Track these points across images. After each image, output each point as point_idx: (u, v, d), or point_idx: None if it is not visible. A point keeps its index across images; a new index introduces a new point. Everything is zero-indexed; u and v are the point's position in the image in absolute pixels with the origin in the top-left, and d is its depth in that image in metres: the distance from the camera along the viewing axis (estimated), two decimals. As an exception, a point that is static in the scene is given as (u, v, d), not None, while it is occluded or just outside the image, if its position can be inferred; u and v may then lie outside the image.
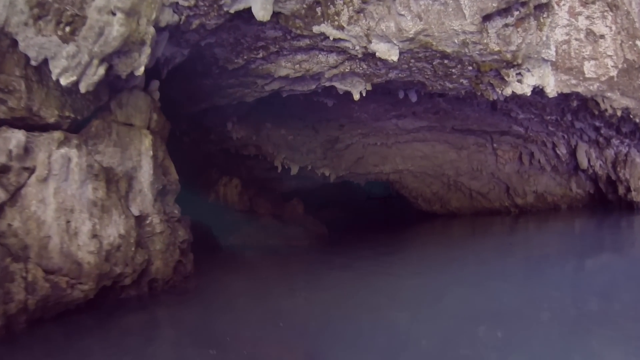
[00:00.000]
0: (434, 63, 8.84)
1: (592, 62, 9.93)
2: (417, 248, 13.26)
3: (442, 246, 13.33)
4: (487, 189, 19.89)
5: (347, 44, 8.20)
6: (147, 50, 6.88)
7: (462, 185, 20.09)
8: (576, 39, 9.85)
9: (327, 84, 10.02)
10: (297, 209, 16.35)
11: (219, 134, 16.02)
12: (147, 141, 7.63)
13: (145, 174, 7.41)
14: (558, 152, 16.54)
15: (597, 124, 13.87)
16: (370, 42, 7.87)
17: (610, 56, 9.89)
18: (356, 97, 9.69)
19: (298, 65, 9.46)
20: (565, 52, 9.81)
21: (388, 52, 7.83)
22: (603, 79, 10.00)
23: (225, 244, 14.67)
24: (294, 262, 11.38)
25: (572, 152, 16.42)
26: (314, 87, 10.44)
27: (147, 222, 7.30)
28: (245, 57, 9.56)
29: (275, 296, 7.50)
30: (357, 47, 8.14)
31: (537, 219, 18.38)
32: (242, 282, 8.74)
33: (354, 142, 18.10)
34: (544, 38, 8.56)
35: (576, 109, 13.37)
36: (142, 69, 6.93)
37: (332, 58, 9.05)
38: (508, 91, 9.10)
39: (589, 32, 9.84)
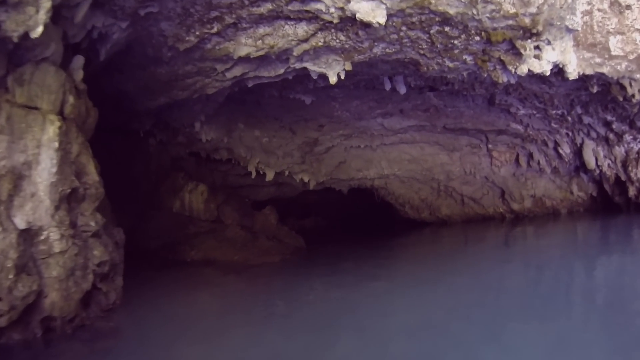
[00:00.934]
0: (431, 31, 6.80)
1: (619, 37, 8.02)
2: (405, 264, 11.23)
3: (432, 259, 11.34)
4: (481, 194, 17.93)
5: (319, 5, 6.15)
6: (46, 3, 4.85)
7: (453, 190, 18.11)
8: (599, 10, 7.95)
9: (298, 65, 7.97)
10: (269, 219, 14.21)
11: (187, 135, 13.97)
12: (51, 130, 5.52)
13: (44, 173, 5.29)
14: (560, 151, 14.63)
15: (609, 117, 11.97)
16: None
17: (638, 30, 8.00)
18: (332, 79, 7.62)
19: (260, 42, 7.39)
20: (587, 24, 7.90)
21: (372, 12, 5.81)
22: (632, 57, 8.10)
23: (186, 259, 12.52)
24: (260, 284, 9.29)
25: (577, 152, 14.52)
26: (282, 70, 8.39)
27: (41, 237, 5.16)
28: (197, 34, 7.50)
29: (228, 340, 5.38)
30: (332, 9, 6.10)
31: (535, 225, 16.45)
32: (187, 316, 6.60)
33: (335, 144, 16.06)
34: (569, 0, 6.58)
35: (587, 102, 11.45)
36: (39, 29, 5.06)
37: (302, 29, 6.98)
38: (523, 69, 7.10)
39: (614, 2, 7.93)
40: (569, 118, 12.82)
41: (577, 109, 11.87)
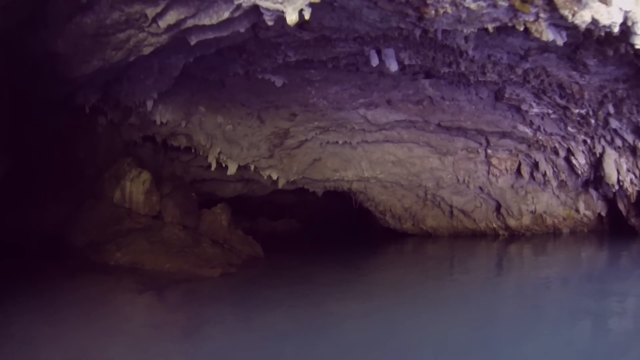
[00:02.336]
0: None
1: None
2: (379, 288, 8.48)
3: (413, 283, 8.71)
4: (473, 207, 15.34)
5: None
6: None
7: (441, 200, 15.49)
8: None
9: (246, 3, 5.19)
10: (218, 220, 11.35)
11: (140, 116, 11.46)
12: None
13: None
14: (574, 162, 12.08)
15: (646, 122, 9.43)
16: None
17: None
18: (291, 18, 4.79)
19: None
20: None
21: None
22: None
23: (110, 262, 9.77)
24: (181, 312, 6.55)
25: (593, 163, 11.97)
26: (227, 14, 5.73)
27: None
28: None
29: None
30: None
31: (533, 245, 13.94)
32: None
33: (309, 138, 13.35)
34: None
35: (623, 98, 8.87)
36: None
37: None
38: (584, 17, 4.48)
39: None
40: (592, 120, 10.26)
41: (607, 107, 9.30)
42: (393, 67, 8.15)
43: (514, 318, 6.19)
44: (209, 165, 13.75)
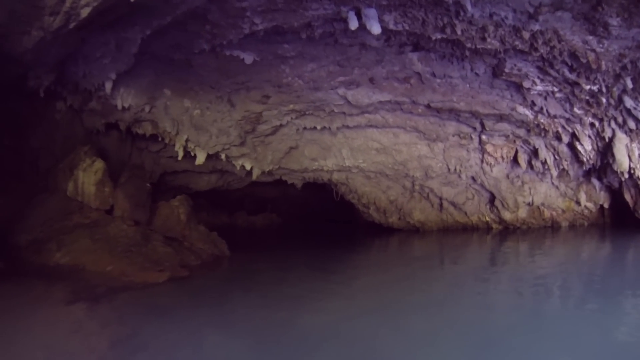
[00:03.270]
0: None
1: None
2: (356, 302, 6.95)
3: (395, 292, 7.26)
4: (464, 198, 13.95)
5: None
6: None
7: (430, 191, 14.09)
8: None
9: None
10: (175, 214, 9.76)
11: (101, 100, 10.04)
12: None
13: None
14: (579, 148, 10.72)
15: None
16: None
17: None
18: None
19: None
20: None
21: None
22: None
23: (49, 263, 8.27)
24: (105, 335, 5.06)
25: (600, 149, 10.62)
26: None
27: None
28: None
29: None
30: None
31: (530, 240, 12.62)
32: None
33: (284, 123, 11.87)
34: None
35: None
36: None
37: None
38: None
39: None
40: (604, 99, 8.89)
41: (624, 82, 7.94)
42: (375, 29, 6.67)
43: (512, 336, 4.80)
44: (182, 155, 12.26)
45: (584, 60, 7.44)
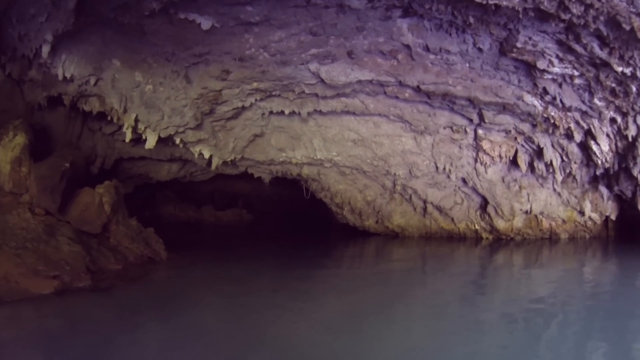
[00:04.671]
0: None
1: None
2: (315, 337, 5.01)
3: (364, 319, 5.39)
4: (452, 203, 12.09)
5: None
6: None
7: (413, 193, 12.20)
8: None
9: None
10: (97, 204, 7.57)
11: (42, 69, 8.48)
12: None
13: None
14: (594, 147, 8.93)
15: None
16: None
17: None
18: None
19: None
20: None
21: None
22: None
23: None
24: None
25: (620, 150, 8.84)
26: None
27: None
28: None
29: None
30: None
31: (525, 254, 10.85)
32: None
33: (248, 105, 9.92)
34: None
35: None
36: None
37: None
38: None
39: None
40: (634, 87, 7.10)
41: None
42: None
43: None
44: (138, 139, 10.51)
45: (627, 27, 5.57)
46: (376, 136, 10.49)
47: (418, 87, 8.45)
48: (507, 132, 9.67)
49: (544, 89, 7.99)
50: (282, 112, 10.14)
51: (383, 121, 10.10)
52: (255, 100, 9.77)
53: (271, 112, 10.34)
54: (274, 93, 9.52)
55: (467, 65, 7.91)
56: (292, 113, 10.16)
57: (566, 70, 7.32)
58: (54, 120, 10.55)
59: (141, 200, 19.17)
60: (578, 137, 8.92)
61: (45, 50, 7.42)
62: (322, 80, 8.80)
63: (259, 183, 15.89)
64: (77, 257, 6.39)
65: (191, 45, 8.22)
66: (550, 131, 9.16)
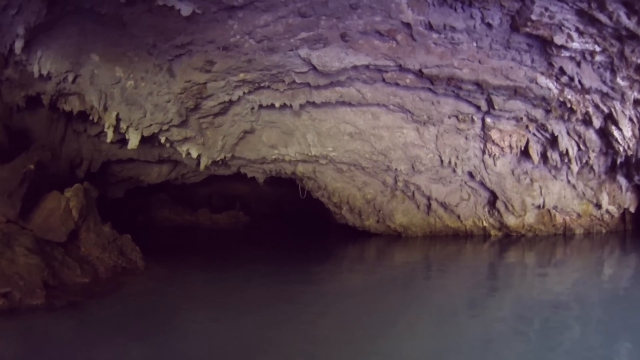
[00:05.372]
0: None
1: None
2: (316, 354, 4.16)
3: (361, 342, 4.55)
4: (458, 199, 11.23)
5: None
6: None
7: (416, 189, 11.34)
8: None
9: None
10: (63, 209, 6.51)
11: (19, 67, 7.82)
12: None
13: None
14: (615, 133, 8.07)
15: None
16: None
17: None
18: None
19: None
20: None
21: None
22: None
23: None
24: None
25: (643, 136, 7.99)
26: None
27: None
28: None
29: None
30: None
31: (539, 253, 10.03)
32: None
33: (235, 99, 9.10)
34: None
35: None
36: None
37: None
38: None
39: None
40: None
41: None
42: None
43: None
44: (124, 140, 9.74)
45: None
46: (375, 128, 9.61)
47: (420, 71, 7.57)
48: (518, 119, 8.80)
49: (561, 68, 7.13)
50: (273, 106, 9.29)
51: (382, 112, 9.22)
52: (243, 93, 8.94)
53: (261, 106, 9.50)
54: (262, 84, 8.66)
55: (475, 44, 7.04)
56: (284, 106, 9.31)
57: (586, 45, 6.46)
58: (35, 122, 9.84)
59: (135, 204, 18.49)
60: (597, 122, 8.06)
61: (18, 45, 6.84)
62: (314, 68, 7.93)
63: (257, 184, 15.13)
64: (34, 270, 5.52)
65: (173, 35, 7.41)
66: (566, 117, 8.29)
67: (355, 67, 7.84)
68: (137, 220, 18.00)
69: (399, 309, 5.76)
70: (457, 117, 8.98)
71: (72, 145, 10.92)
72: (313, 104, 9.16)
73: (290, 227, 18.88)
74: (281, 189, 18.73)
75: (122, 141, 10.07)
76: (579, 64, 7.01)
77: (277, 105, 9.21)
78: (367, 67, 7.83)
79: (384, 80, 8.25)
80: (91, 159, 11.59)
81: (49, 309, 4.99)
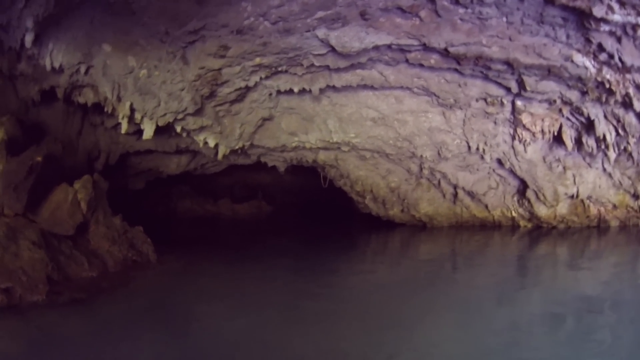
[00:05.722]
0: None
1: None
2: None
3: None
4: (486, 187, 10.73)
5: None
6: None
7: (442, 177, 10.88)
8: None
9: None
10: (70, 202, 6.18)
11: (32, 62, 7.70)
12: None
13: None
14: (659, 117, 7.46)
15: None
16: None
17: None
18: None
19: None
20: None
21: None
22: None
23: None
24: None
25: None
26: None
27: None
28: None
29: None
30: None
31: (572, 248, 9.48)
32: None
33: (252, 85, 8.73)
34: None
35: None
36: None
37: None
38: None
39: None
40: None
41: None
42: None
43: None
44: (141, 131, 9.39)
45: None
46: (398, 113, 9.16)
47: (445, 50, 7.10)
48: (551, 102, 8.24)
49: (599, 45, 6.57)
50: (291, 91, 8.90)
51: (406, 95, 8.77)
52: (260, 78, 8.56)
53: (279, 92, 9.13)
54: (280, 69, 8.28)
55: (505, 19, 6.53)
56: (303, 91, 8.91)
57: (629, 17, 5.91)
58: (51, 116, 9.66)
59: (157, 196, 18.41)
60: (638, 104, 7.46)
61: (29, 39, 6.67)
62: (333, 49, 7.51)
63: (279, 174, 14.84)
64: (38, 264, 5.29)
65: (185, 20, 7.06)
66: (604, 99, 7.71)
67: (376, 48, 7.39)
68: (157, 212, 17.90)
69: (424, 306, 5.40)
70: (485, 100, 8.46)
71: (89, 138, 10.72)
72: (333, 88, 8.76)
73: (313, 216, 18.55)
74: (303, 178, 18.41)
75: (139, 132, 9.82)
76: (619, 40, 6.44)
77: (295, 90, 8.82)
78: (389, 47, 7.38)
79: (407, 61, 7.78)
80: (109, 152, 11.38)
81: (50, 305, 4.73)
